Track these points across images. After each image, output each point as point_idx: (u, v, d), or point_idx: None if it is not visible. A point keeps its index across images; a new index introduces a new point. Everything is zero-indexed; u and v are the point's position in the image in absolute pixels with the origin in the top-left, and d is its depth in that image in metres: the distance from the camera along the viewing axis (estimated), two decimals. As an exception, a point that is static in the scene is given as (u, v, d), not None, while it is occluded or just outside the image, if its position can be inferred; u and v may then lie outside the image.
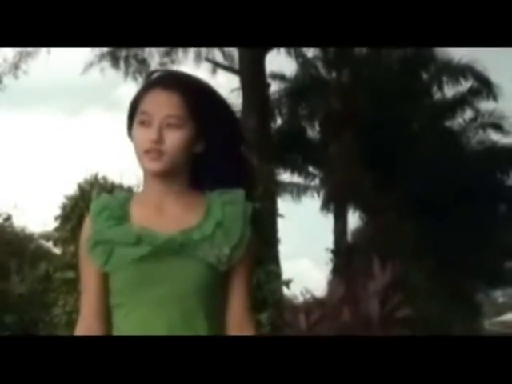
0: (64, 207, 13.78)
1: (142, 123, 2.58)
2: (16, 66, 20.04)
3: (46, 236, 15.35)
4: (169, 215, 2.62)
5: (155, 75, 2.78)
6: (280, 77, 23.11)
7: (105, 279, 2.62)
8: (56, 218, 13.91)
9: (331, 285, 15.71)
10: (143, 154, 2.57)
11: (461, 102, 24.57)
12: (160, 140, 2.55)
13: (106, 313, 2.64)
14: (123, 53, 20.49)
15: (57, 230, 14.11)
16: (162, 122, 2.57)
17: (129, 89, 23.85)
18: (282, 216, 13.06)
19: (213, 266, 2.56)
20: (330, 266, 22.56)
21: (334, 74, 23.32)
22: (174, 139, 2.56)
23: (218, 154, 2.67)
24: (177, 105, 2.58)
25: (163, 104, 2.58)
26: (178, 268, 2.56)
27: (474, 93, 24.27)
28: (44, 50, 19.54)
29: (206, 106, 2.64)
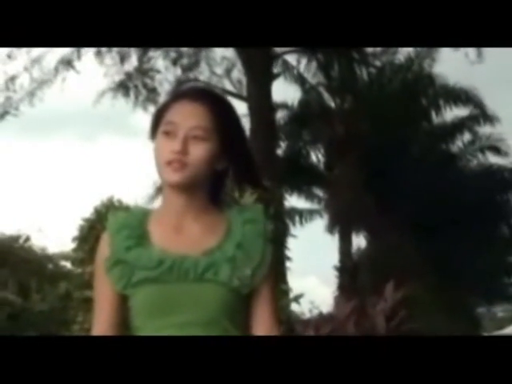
0: (81, 229, 13.90)
1: (167, 133, 2.44)
2: (32, 94, 19.71)
3: (65, 256, 15.52)
4: (188, 234, 2.46)
5: (182, 87, 2.83)
6: (285, 103, 23.15)
7: (121, 300, 2.46)
8: (74, 240, 14.06)
9: (338, 301, 15.76)
10: (165, 164, 2.42)
11: (459, 125, 24.60)
12: (184, 151, 2.40)
13: (121, 329, 2.50)
14: (133, 82, 20.49)
15: (75, 250, 14.26)
16: (188, 133, 2.42)
17: (140, 117, 23.99)
18: (294, 236, 13.09)
19: (235, 289, 2.42)
20: (336, 284, 22.57)
21: (337, 101, 23.35)
22: (198, 151, 2.41)
23: (237, 172, 2.55)
24: (203, 117, 2.44)
25: (190, 115, 2.45)
26: (200, 292, 2.40)
27: (471, 117, 24.32)
28: (59, 77, 19.53)
29: (230, 122, 2.51)
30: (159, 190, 3.17)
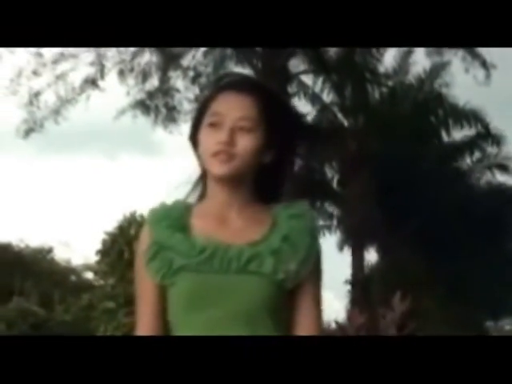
0: (104, 243, 14.02)
1: (213, 125, 2.32)
2: (56, 112, 19.73)
3: (88, 268, 15.58)
4: (232, 227, 2.34)
5: (227, 78, 2.54)
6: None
7: (163, 291, 2.32)
8: (97, 253, 14.15)
9: (351, 314, 15.78)
10: (211, 156, 2.30)
11: (468, 144, 24.54)
12: (231, 142, 2.28)
13: (164, 325, 2.35)
14: (154, 101, 20.53)
15: (97, 263, 14.35)
16: (234, 123, 2.30)
17: (160, 134, 24.00)
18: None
19: (279, 283, 2.27)
20: (348, 297, 22.54)
21: (350, 119, 23.36)
22: (246, 143, 2.29)
23: (284, 166, 2.44)
24: (250, 108, 2.32)
25: (236, 106, 2.33)
26: (242, 284, 2.25)
27: (479, 136, 24.27)
28: (83, 96, 19.56)
29: (278, 113, 2.38)
30: (198, 184, 2.79)
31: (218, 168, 2.29)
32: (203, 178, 2.44)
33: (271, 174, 2.40)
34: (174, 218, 2.36)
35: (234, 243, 2.29)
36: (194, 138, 2.41)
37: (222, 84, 2.46)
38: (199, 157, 2.39)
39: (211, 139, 2.30)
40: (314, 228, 2.38)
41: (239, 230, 2.32)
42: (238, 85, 2.40)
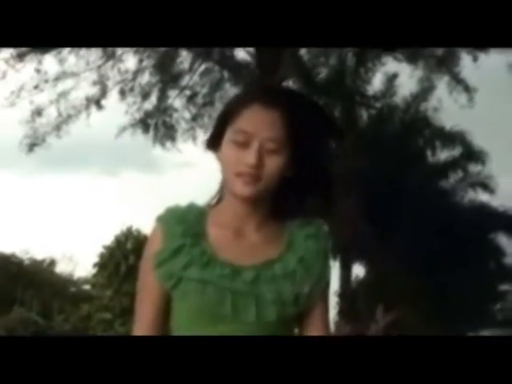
0: (102, 256, 14.09)
1: (238, 143, 2.12)
2: (58, 127, 19.64)
3: (87, 281, 15.65)
4: (249, 242, 2.19)
5: (255, 88, 2.35)
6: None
7: (166, 298, 2.18)
8: (95, 265, 14.21)
9: (338, 325, 15.85)
10: (235, 176, 2.12)
11: (452, 163, 24.72)
12: (259, 165, 2.10)
13: (161, 332, 2.21)
14: (153, 120, 20.58)
15: (95, 275, 14.42)
16: (262, 144, 2.11)
17: (158, 152, 23.96)
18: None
19: (290, 305, 2.14)
20: (336, 309, 22.60)
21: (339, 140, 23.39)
22: (273, 165, 2.12)
23: (305, 180, 2.22)
24: (279, 126, 2.12)
25: (265, 124, 2.12)
26: (254, 305, 2.11)
27: (463, 156, 24.43)
28: (84, 113, 19.56)
29: (307, 128, 2.17)
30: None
31: (241, 189, 2.12)
32: (220, 182, 2.28)
33: (293, 189, 2.22)
34: (190, 223, 2.20)
35: (249, 260, 2.15)
36: (213, 147, 2.22)
37: (249, 95, 2.22)
38: (220, 169, 2.20)
39: (236, 158, 2.12)
40: (327, 249, 2.25)
41: (256, 247, 2.18)
42: (266, 97, 2.16)
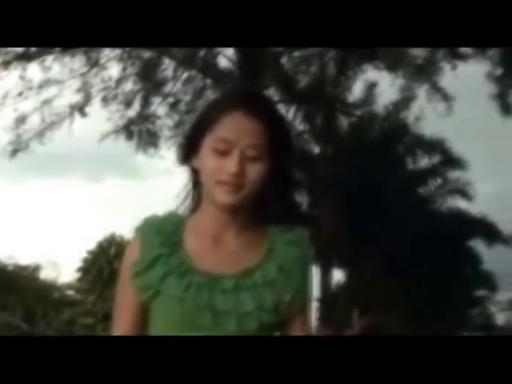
0: (85, 261, 14.11)
1: (218, 151, 2.07)
2: (41, 134, 19.45)
3: (70, 286, 15.64)
4: (228, 250, 2.14)
5: (234, 93, 2.24)
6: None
7: (144, 309, 2.13)
8: (78, 270, 14.22)
9: (317, 329, 15.90)
10: (216, 184, 2.07)
11: (431, 171, 24.84)
12: (241, 173, 2.05)
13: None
14: (136, 127, 20.54)
15: (79, 280, 14.42)
16: (244, 152, 2.06)
17: (141, 159, 23.87)
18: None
19: (271, 313, 2.08)
20: (316, 314, 22.64)
21: (320, 146, 23.52)
22: (254, 173, 2.07)
23: (282, 188, 2.20)
24: (260, 134, 2.08)
25: (246, 132, 2.07)
26: (234, 315, 2.06)
27: (442, 163, 24.56)
28: (67, 120, 19.49)
29: (285, 137, 2.17)
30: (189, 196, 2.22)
31: (223, 197, 2.07)
32: (196, 189, 2.24)
33: (272, 196, 2.18)
34: (168, 233, 2.15)
35: (228, 269, 2.09)
36: (188, 155, 2.18)
37: (228, 100, 2.15)
38: (201, 179, 2.15)
39: (217, 166, 2.07)
40: (309, 257, 2.19)
41: (235, 255, 2.13)
42: (247, 104, 2.10)
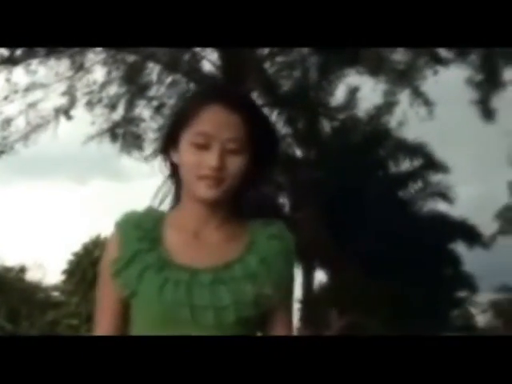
0: (70, 263, 14.13)
1: (198, 145, 2.05)
2: (26, 137, 19.35)
3: (55, 287, 15.66)
4: (208, 243, 2.11)
5: (212, 88, 2.25)
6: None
7: (125, 306, 2.10)
8: (63, 272, 14.26)
9: (299, 331, 15.97)
10: (196, 179, 2.05)
11: (412, 174, 24.99)
12: (221, 167, 2.03)
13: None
14: (120, 129, 20.55)
15: (64, 282, 14.45)
16: (224, 146, 2.04)
17: (125, 161, 23.88)
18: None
19: (250, 306, 2.04)
20: (298, 315, 22.71)
21: (303, 149, 23.61)
22: (235, 166, 2.05)
23: (260, 182, 2.19)
24: (240, 128, 2.06)
25: (226, 126, 2.04)
26: (210, 306, 2.02)
27: (423, 167, 24.71)
28: (52, 123, 19.47)
29: (263, 130, 2.13)
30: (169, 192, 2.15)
31: (204, 192, 2.05)
32: (176, 184, 2.21)
33: (249, 191, 2.16)
34: (146, 228, 2.12)
35: (209, 262, 2.07)
36: (167, 150, 2.16)
37: (205, 95, 2.13)
38: (180, 174, 2.12)
39: (197, 161, 2.05)
40: (291, 251, 2.16)
41: (215, 248, 2.10)
42: (226, 99, 2.08)
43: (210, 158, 2.03)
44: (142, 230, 2.11)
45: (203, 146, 2.04)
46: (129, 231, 2.12)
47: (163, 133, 2.21)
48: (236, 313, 2.03)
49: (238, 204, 2.16)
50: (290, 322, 2.19)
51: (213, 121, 2.05)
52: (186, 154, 2.07)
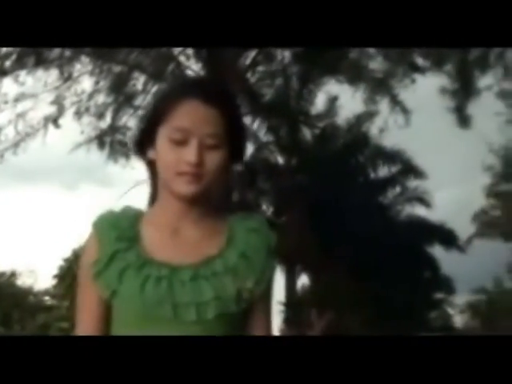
0: (61, 268, 14.27)
1: (175, 141, 1.97)
2: (16, 145, 19.26)
3: (46, 292, 15.76)
4: (187, 240, 2.04)
5: (186, 82, 2.16)
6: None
7: (106, 308, 2.04)
8: (54, 277, 14.38)
9: (282, 332, 16.08)
10: (175, 175, 1.97)
11: (391, 180, 25.20)
12: (200, 163, 1.95)
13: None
14: (108, 138, 20.65)
15: (54, 287, 14.58)
16: (202, 141, 1.96)
17: (113, 168, 23.93)
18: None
19: (232, 301, 1.99)
20: (281, 317, 22.81)
21: (285, 156, 23.78)
22: (213, 161, 1.98)
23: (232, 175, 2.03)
24: (218, 123, 1.98)
25: (204, 121, 1.97)
26: (192, 302, 1.96)
27: (401, 173, 24.93)
28: (41, 131, 19.53)
29: (242, 127, 2.11)
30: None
31: (183, 188, 1.98)
32: (153, 181, 2.14)
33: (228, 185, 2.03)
34: (123, 227, 2.05)
35: (188, 259, 2.01)
36: (143, 148, 2.09)
37: (181, 89, 2.04)
38: (157, 169, 2.05)
39: (176, 157, 1.97)
40: (270, 243, 2.09)
41: (195, 244, 2.04)
42: (202, 93, 2.00)
43: (189, 154, 1.95)
44: (120, 229, 2.04)
45: (181, 142, 1.97)
46: (106, 231, 2.05)
47: (139, 128, 2.11)
48: (217, 308, 1.98)
49: (215, 198, 2.10)
50: (269, 315, 2.14)
51: (190, 116, 1.97)
52: (163, 150, 2.00)
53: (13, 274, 16.22)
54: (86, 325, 2.07)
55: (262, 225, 2.12)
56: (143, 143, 2.07)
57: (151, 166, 2.09)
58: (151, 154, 2.05)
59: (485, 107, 19.58)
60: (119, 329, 2.03)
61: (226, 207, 2.15)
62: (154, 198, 2.13)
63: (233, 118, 2.02)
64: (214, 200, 2.08)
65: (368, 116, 22.70)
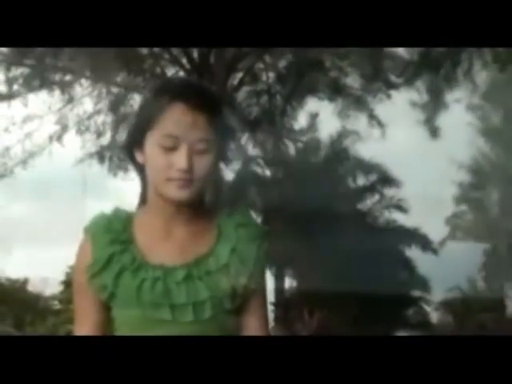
0: (67, 274, 14.51)
1: (165, 147, 1.87)
2: (24, 162, 19.47)
3: (54, 297, 15.96)
4: (178, 241, 1.96)
5: (172, 86, 1.98)
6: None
7: (105, 311, 1.96)
8: (61, 283, 14.61)
9: (273, 331, 16.27)
10: (166, 181, 1.89)
11: (370, 189, 25.52)
12: (190, 169, 1.87)
13: None
14: (108, 153, 20.90)
15: (61, 292, 14.82)
16: (192, 146, 1.87)
17: (113, 182, 23.93)
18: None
19: (227, 298, 1.93)
20: (271, 316, 22.97)
21: (271, 169, 24.06)
22: (203, 166, 1.90)
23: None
24: (205, 127, 1.89)
25: (192, 126, 1.87)
26: (188, 302, 1.90)
27: (379, 182, 25.26)
28: (47, 150, 19.80)
29: (226, 128, 2.03)
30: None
31: (175, 193, 1.90)
32: (142, 184, 2.05)
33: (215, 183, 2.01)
34: (117, 230, 1.97)
35: (181, 260, 1.94)
36: (130, 152, 2.00)
37: (169, 94, 1.92)
38: (147, 173, 1.97)
39: (166, 162, 1.88)
40: (259, 236, 2.02)
41: (186, 244, 1.96)
42: (190, 97, 1.89)
43: (179, 161, 1.87)
44: (113, 232, 1.96)
45: (171, 148, 1.88)
46: (100, 234, 1.97)
47: (127, 132, 2.03)
48: (213, 306, 1.92)
49: (203, 198, 2.02)
50: (265, 310, 2.06)
51: (179, 122, 1.87)
52: (152, 155, 1.91)
53: (25, 282, 16.44)
54: (84, 328, 1.99)
55: (248, 218, 2.06)
56: (132, 147, 1.99)
57: (140, 168, 2.01)
58: (140, 157, 1.98)
59: (452, 119, 19.90)
60: (118, 331, 1.97)
61: (216, 207, 2.07)
62: (144, 200, 2.05)
63: (220, 122, 1.94)
64: (204, 201, 2.02)
65: (346, 130, 23.03)
